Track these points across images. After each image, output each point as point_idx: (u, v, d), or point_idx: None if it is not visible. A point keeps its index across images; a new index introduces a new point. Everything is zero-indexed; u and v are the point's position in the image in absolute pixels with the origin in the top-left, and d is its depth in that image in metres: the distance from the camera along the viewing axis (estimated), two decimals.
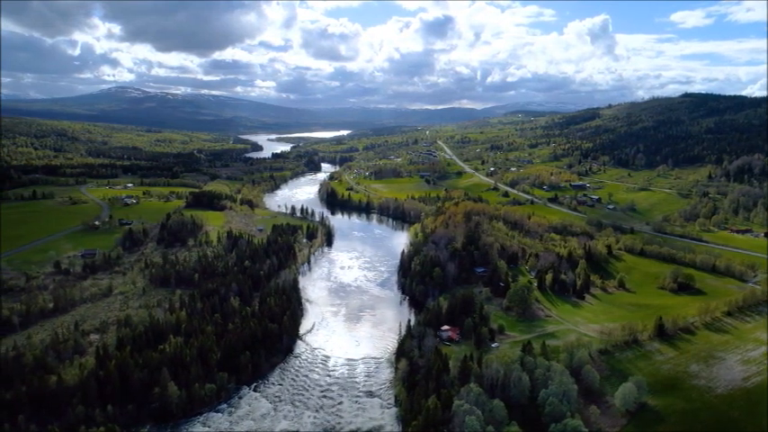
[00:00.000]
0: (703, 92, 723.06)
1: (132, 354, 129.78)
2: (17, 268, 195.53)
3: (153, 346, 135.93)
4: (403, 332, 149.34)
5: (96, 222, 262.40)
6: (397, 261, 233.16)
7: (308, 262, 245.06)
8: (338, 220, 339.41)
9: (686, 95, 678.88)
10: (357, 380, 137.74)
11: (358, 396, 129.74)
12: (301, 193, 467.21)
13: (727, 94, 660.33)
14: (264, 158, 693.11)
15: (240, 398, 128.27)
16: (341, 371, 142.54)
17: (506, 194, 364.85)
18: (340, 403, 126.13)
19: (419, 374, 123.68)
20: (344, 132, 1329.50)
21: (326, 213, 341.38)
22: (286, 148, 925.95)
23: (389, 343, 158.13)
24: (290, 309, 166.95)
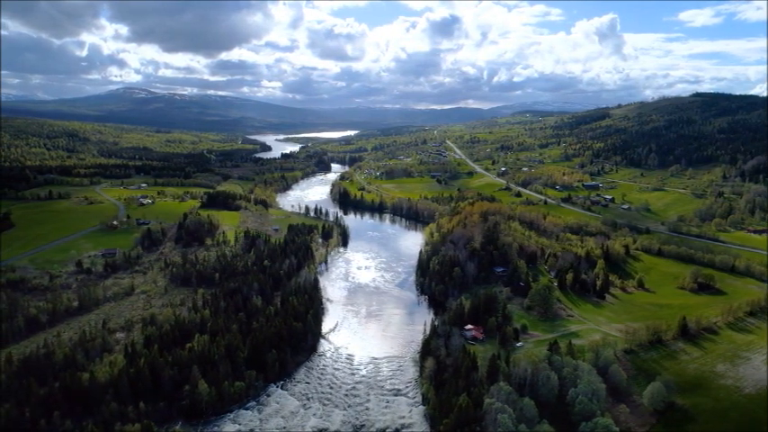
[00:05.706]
0: (712, 91, 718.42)
1: (161, 352, 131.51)
2: (40, 267, 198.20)
3: (180, 345, 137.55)
4: (428, 331, 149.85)
5: (115, 222, 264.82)
6: (414, 261, 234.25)
7: (326, 262, 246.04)
8: (351, 220, 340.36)
9: (697, 95, 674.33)
10: (382, 378, 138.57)
11: (384, 394, 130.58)
12: (313, 193, 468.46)
13: (736, 93, 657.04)
14: (274, 159, 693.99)
15: (268, 395, 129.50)
16: (365, 369, 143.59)
17: (519, 194, 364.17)
18: (367, 401, 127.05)
19: (447, 373, 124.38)
20: (351, 132, 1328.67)
21: (340, 213, 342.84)
22: (294, 148, 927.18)
23: (411, 342, 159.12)
24: (313, 308, 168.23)
